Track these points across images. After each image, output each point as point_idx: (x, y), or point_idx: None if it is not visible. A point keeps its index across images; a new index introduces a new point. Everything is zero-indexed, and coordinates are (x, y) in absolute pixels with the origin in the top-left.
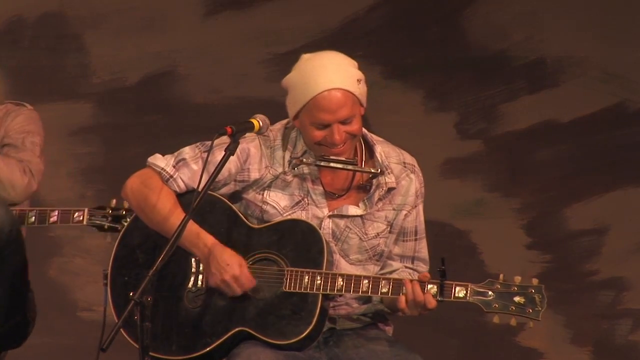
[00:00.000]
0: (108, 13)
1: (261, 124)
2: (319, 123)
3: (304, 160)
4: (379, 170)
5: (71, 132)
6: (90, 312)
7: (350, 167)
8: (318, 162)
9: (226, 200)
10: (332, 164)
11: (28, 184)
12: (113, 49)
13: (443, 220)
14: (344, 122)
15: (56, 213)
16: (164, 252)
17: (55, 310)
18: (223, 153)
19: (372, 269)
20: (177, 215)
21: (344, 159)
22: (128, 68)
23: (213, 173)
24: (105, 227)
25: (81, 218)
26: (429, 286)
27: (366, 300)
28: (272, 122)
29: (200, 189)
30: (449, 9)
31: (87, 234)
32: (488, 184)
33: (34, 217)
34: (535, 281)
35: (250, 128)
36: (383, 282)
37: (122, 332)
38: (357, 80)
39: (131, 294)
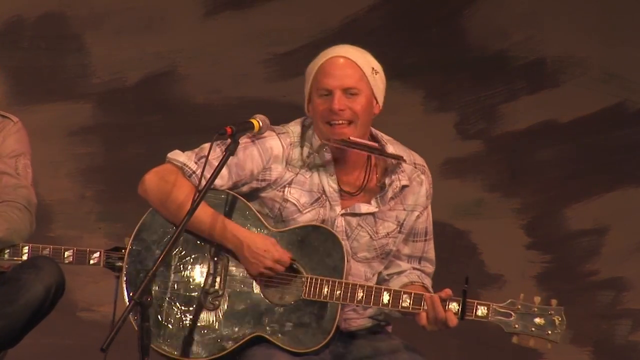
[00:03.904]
0: (108, 13)
1: (261, 124)
2: (323, 89)
3: (329, 142)
4: (402, 157)
5: (71, 132)
6: (90, 312)
7: (372, 151)
8: (343, 144)
9: (246, 202)
10: (358, 147)
11: (30, 224)
12: (113, 49)
13: (443, 220)
14: (347, 93)
15: (71, 252)
16: (164, 252)
17: (55, 310)
18: (246, 151)
19: (377, 267)
20: (204, 210)
21: (369, 142)
22: (128, 68)
23: (213, 172)
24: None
25: (97, 260)
26: (451, 305)
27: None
28: (272, 123)
29: (203, 187)
30: (449, 9)
31: (87, 234)
32: (488, 184)
33: (47, 252)
34: (554, 302)
35: (250, 128)
36: (404, 296)
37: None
38: (372, 68)
39: (131, 294)
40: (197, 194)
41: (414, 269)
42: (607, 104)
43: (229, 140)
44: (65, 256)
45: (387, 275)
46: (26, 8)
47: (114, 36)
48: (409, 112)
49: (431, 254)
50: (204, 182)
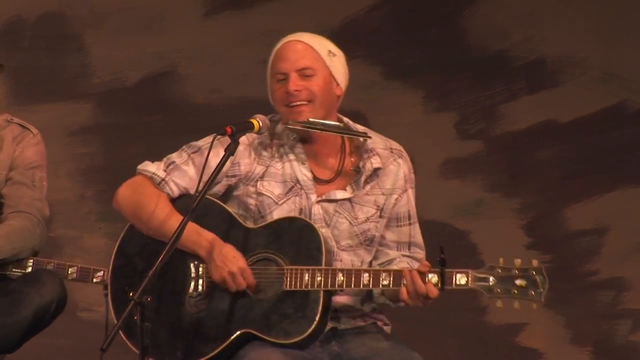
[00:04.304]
0: (108, 13)
1: (261, 124)
2: (279, 73)
3: (290, 125)
4: (366, 134)
5: (71, 132)
6: (89, 312)
7: (334, 130)
8: (304, 125)
9: (220, 203)
10: (319, 127)
11: (41, 239)
12: (113, 49)
13: (443, 220)
14: (303, 75)
15: (75, 269)
16: (164, 252)
17: None
18: (212, 150)
19: (363, 254)
20: (175, 218)
21: (330, 122)
22: (128, 68)
23: (213, 173)
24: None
25: (100, 279)
26: (430, 276)
27: (366, 298)
28: None
29: (199, 190)
30: (449, 9)
31: (87, 234)
32: (488, 184)
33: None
34: (535, 262)
35: (250, 128)
36: (383, 274)
37: (124, 338)
38: (329, 50)
39: (131, 294)
40: (195, 197)
41: (404, 256)
42: (607, 104)
43: (197, 144)
44: (69, 272)
45: (379, 265)
46: (26, 8)
47: (114, 36)
48: (409, 112)
49: (419, 238)
50: (174, 188)
